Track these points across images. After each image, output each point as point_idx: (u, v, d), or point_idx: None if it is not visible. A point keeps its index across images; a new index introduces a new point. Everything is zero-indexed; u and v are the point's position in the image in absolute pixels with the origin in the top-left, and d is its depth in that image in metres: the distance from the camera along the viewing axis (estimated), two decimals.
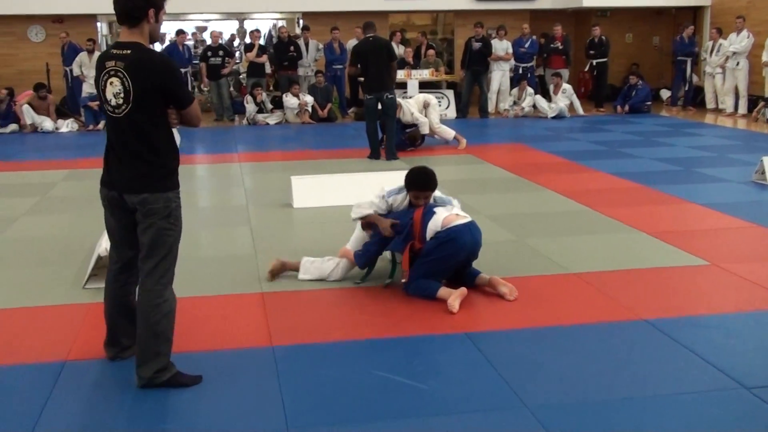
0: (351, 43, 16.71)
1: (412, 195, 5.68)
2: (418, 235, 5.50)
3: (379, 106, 11.42)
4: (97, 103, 15.87)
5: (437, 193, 5.74)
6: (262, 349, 4.55)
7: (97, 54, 16.53)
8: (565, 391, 3.98)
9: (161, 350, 4.07)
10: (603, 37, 17.98)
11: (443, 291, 5.29)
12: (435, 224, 5.43)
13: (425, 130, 12.26)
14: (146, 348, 4.06)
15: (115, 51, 4.02)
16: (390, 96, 11.32)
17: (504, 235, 7.05)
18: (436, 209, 5.53)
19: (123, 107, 3.96)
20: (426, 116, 12.38)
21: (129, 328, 4.29)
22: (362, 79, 11.79)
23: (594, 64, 18.06)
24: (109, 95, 3.99)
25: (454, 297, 5.19)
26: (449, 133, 12.57)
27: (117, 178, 4.07)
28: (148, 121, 3.98)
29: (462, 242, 5.39)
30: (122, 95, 3.95)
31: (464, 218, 5.52)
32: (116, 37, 20.52)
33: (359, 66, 11.43)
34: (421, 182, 5.65)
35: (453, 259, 5.42)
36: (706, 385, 4.05)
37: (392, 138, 11.45)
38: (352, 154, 11.71)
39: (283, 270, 5.94)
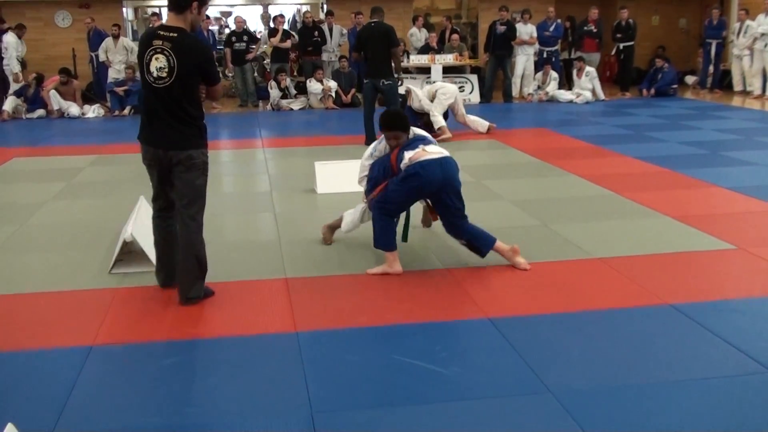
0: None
1: (386, 138, 5.91)
2: (395, 174, 5.75)
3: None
4: (124, 88, 15.99)
5: (419, 132, 5.94)
6: (287, 335, 4.56)
7: (122, 39, 16.65)
8: (589, 376, 3.96)
9: (201, 275, 5.08)
10: (630, 21, 17.75)
11: (389, 255, 5.61)
12: (403, 161, 5.65)
13: (437, 121, 12.06)
14: (191, 273, 5.04)
15: (161, 32, 4.84)
16: (387, 82, 11.19)
17: (528, 220, 7.02)
18: (407, 149, 5.72)
19: (165, 80, 4.81)
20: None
21: (173, 254, 5.20)
22: None
23: (620, 47, 17.85)
24: (152, 68, 4.82)
25: (382, 268, 5.59)
26: (480, 123, 12.43)
27: (161, 138, 4.94)
28: (185, 92, 4.84)
29: (428, 176, 5.54)
30: (166, 70, 4.80)
31: (436, 153, 5.64)
32: (141, 22, 20.69)
33: (361, 52, 11.44)
34: (388, 123, 5.84)
35: (417, 192, 5.65)
36: (732, 370, 4.01)
37: None
38: (376, 138, 11.67)
39: (333, 232, 6.43)
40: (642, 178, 8.71)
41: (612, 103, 16.15)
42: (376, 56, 11.18)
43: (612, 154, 10.26)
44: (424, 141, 5.84)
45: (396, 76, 11.32)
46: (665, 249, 6.10)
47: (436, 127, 12.01)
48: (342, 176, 8.40)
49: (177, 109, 4.85)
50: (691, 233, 6.51)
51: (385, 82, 11.19)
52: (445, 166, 5.61)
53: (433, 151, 5.68)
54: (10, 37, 16.21)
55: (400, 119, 5.86)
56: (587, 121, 13.77)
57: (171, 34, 4.81)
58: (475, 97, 17.07)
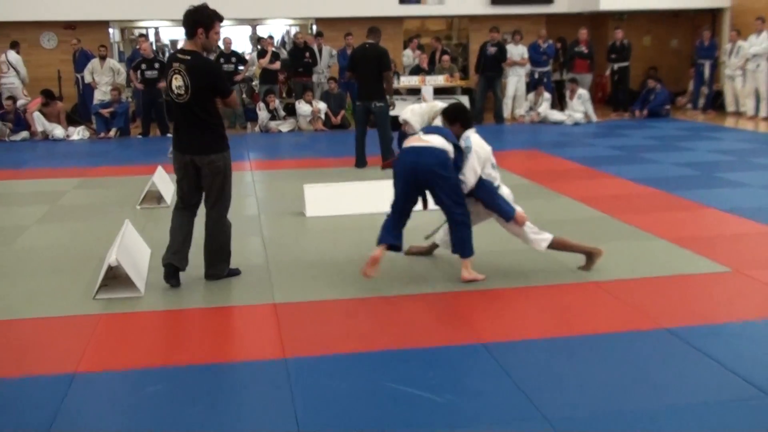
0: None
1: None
2: None
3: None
4: (109, 110, 15.97)
5: (437, 122, 6.29)
6: (276, 362, 4.52)
7: (109, 60, 16.67)
8: (585, 402, 3.93)
9: (226, 258, 6.07)
10: (625, 41, 17.85)
11: (376, 250, 5.86)
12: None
13: None
14: (217, 257, 6.02)
15: (179, 55, 5.80)
16: (379, 104, 11.22)
17: (520, 243, 7.00)
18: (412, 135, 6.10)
19: (184, 96, 5.71)
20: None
21: (185, 242, 5.98)
22: None
23: (615, 68, 17.93)
24: (173, 87, 5.75)
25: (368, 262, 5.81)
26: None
27: (188, 146, 5.82)
28: (201, 106, 5.74)
29: (401, 162, 5.85)
30: (183, 88, 5.70)
31: (425, 142, 5.85)
32: (128, 43, 20.73)
33: (354, 73, 11.50)
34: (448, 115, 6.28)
35: (397, 180, 5.92)
36: (729, 395, 3.99)
37: (386, 146, 11.29)
38: (366, 161, 11.67)
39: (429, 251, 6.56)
40: (636, 200, 8.73)
41: (604, 125, 16.22)
42: (368, 78, 11.22)
43: (605, 176, 10.28)
44: (433, 130, 6.05)
45: (388, 98, 11.33)
46: (660, 272, 6.09)
47: None
48: (332, 199, 8.40)
49: (196, 120, 5.76)
50: (685, 256, 6.51)
51: (377, 104, 11.21)
52: (422, 154, 5.80)
53: (427, 140, 5.85)
54: (13, 55, 16.50)
55: (454, 111, 6.22)
56: (580, 142, 13.81)
57: (185, 57, 5.74)
58: None
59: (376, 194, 7.87)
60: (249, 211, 8.64)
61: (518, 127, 16.41)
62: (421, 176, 5.82)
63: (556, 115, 16.72)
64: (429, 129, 6.14)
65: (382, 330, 5.00)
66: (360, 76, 11.34)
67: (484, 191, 6.06)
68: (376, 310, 5.40)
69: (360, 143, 11.46)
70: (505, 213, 6.08)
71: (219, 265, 6.04)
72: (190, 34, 5.78)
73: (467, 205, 6.00)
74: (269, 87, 16.98)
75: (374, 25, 12.09)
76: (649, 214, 8.01)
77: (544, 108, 16.85)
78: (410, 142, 5.94)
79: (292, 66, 17.31)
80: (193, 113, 5.75)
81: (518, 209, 6.12)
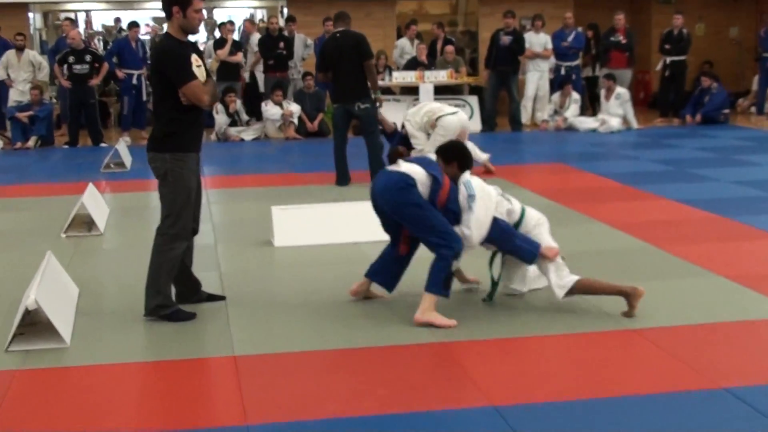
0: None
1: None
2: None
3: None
4: (28, 113, 15.93)
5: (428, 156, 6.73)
6: (235, 429, 4.51)
7: (28, 52, 16.69)
8: None
9: (161, 289, 6.09)
10: (684, 30, 17.87)
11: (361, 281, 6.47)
12: None
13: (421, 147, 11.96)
14: (151, 284, 6.10)
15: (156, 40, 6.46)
16: (363, 106, 11.15)
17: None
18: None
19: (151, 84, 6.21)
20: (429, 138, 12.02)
21: (184, 271, 6.43)
22: None
23: (668, 62, 18.00)
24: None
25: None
26: (478, 155, 12.37)
27: None
28: (158, 95, 6.25)
29: (371, 192, 6.32)
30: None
31: (394, 167, 6.32)
32: (52, 30, 20.77)
33: (328, 71, 11.45)
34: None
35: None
36: None
37: (376, 157, 11.28)
38: (350, 177, 11.69)
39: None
40: (687, 227, 8.76)
41: (647, 132, 16.29)
42: (346, 74, 11.18)
43: (648, 197, 10.32)
44: (415, 160, 6.41)
45: (373, 96, 11.33)
46: (716, 317, 6.10)
47: (476, 158, 11.92)
48: (306, 225, 8.39)
49: (155, 112, 6.37)
50: (749, 297, 6.53)
51: (361, 106, 11.17)
52: (382, 178, 6.27)
53: (400, 167, 6.23)
54: None
55: (452, 150, 6.56)
56: (617, 154, 13.86)
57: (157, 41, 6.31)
58: (475, 125, 17.15)
59: (361, 219, 7.88)
60: (203, 240, 8.61)
61: (540, 136, 16.47)
62: (380, 203, 6.26)
63: (587, 121, 16.79)
64: (413, 159, 6.49)
65: (367, 390, 4.99)
66: (335, 73, 11.32)
67: (498, 233, 6.21)
68: (360, 364, 5.39)
69: (340, 155, 11.47)
70: (528, 255, 6.23)
71: (153, 297, 6.15)
72: (167, 15, 6.20)
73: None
74: (229, 84, 17.00)
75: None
76: (704, 244, 8.04)
77: (572, 111, 16.93)
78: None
79: (263, 58, 17.36)
80: (155, 103, 6.39)
81: (547, 242, 6.24)
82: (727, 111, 17.43)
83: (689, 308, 6.30)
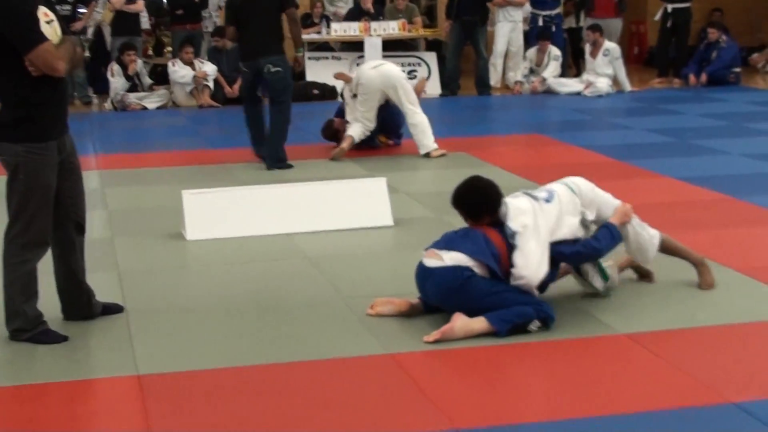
0: None
1: None
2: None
3: None
4: None
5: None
6: None
7: None
8: None
9: (18, 309, 5.93)
10: None
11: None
12: None
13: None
14: (7, 304, 5.99)
15: None
16: (275, 68, 11.01)
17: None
18: None
19: None
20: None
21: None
22: None
23: (669, 10, 18.12)
24: None
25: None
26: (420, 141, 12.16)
27: None
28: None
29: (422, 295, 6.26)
30: None
31: (433, 259, 6.11)
32: None
33: (237, 26, 11.29)
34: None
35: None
36: None
37: (280, 134, 11.27)
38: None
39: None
40: (689, 210, 8.86)
41: (643, 96, 16.38)
42: (258, 27, 11.07)
43: (644, 174, 10.43)
44: (450, 241, 6.26)
45: (297, 53, 11.32)
46: (725, 318, 6.18)
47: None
48: (226, 213, 8.35)
49: None
50: (762, 294, 6.63)
51: (272, 68, 11.03)
52: (429, 281, 6.13)
53: (439, 256, 6.10)
54: None
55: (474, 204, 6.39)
56: (606, 123, 13.95)
57: None
58: (434, 87, 17.15)
59: (294, 205, 7.89)
60: (96, 233, 8.56)
61: (513, 100, 16.54)
62: (436, 303, 6.19)
63: (569, 83, 16.89)
64: (446, 239, 6.30)
65: (302, 413, 5.00)
66: (245, 25, 11.18)
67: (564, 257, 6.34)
68: (292, 382, 5.40)
69: (254, 124, 11.54)
70: (612, 243, 6.45)
71: (13, 320, 6.02)
72: None
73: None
74: (128, 40, 16.87)
75: None
76: (710, 230, 8.14)
77: (552, 71, 17.00)
78: (424, 257, 6.23)
79: (170, 6, 17.24)
80: None
81: (612, 206, 6.57)
82: (738, 69, 17.57)
83: (692, 308, 6.37)
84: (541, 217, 6.13)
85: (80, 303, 6.33)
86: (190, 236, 8.29)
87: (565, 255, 6.26)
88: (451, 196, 6.38)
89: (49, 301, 6.21)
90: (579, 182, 6.58)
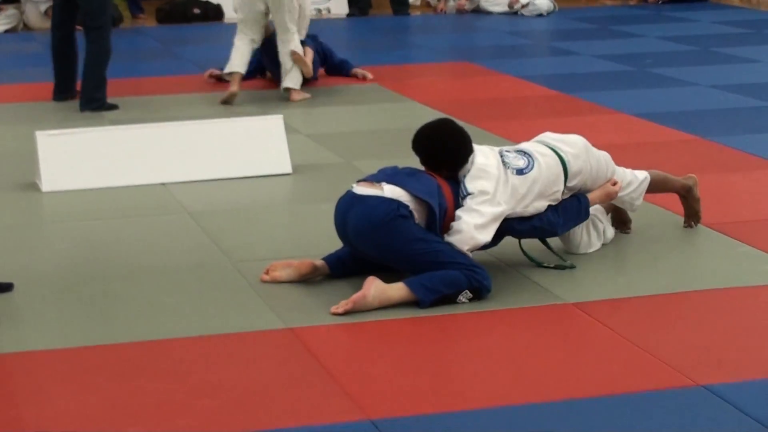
0: None
1: None
2: None
3: None
4: None
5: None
6: None
7: None
8: None
9: None
10: None
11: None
12: None
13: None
14: None
15: None
16: None
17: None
18: None
19: None
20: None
21: None
22: None
23: None
24: None
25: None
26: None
27: None
28: None
29: (335, 215, 6.30)
30: None
31: (368, 188, 6.20)
32: None
33: None
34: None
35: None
36: None
37: (92, 71, 11.18)
38: (148, 85, 11.63)
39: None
40: (650, 153, 8.91)
41: (590, 15, 16.51)
42: None
43: (595, 109, 10.51)
44: (392, 175, 6.34)
45: None
46: (690, 284, 6.26)
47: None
48: (90, 159, 8.29)
49: None
50: (734, 254, 6.70)
51: None
52: (357, 206, 6.14)
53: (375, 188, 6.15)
54: None
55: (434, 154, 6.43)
56: (547, 48, 14.04)
57: None
58: (340, 6, 17.12)
59: (171, 149, 7.86)
60: None
61: (435, 21, 16.60)
62: (358, 242, 6.22)
63: (503, 1, 16.93)
64: (387, 172, 6.36)
65: (181, 400, 4.98)
66: None
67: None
68: (170, 363, 5.39)
69: (56, 53, 11.46)
70: (579, 218, 6.57)
71: None
72: None
73: None
74: None
75: None
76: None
77: None
78: (355, 186, 6.29)
79: None
80: None
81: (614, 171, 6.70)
82: None
83: (653, 272, 6.44)
84: (502, 191, 6.14)
85: None
86: (47, 187, 8.25)
87: (517, 231, 6.33)
88: (413, 136, 6.42)
89: None
90: (577, 151, 6.54)
